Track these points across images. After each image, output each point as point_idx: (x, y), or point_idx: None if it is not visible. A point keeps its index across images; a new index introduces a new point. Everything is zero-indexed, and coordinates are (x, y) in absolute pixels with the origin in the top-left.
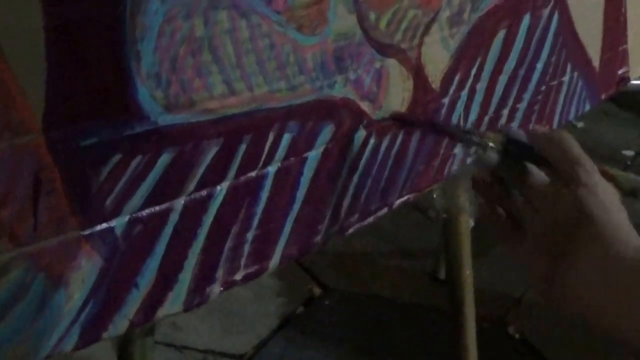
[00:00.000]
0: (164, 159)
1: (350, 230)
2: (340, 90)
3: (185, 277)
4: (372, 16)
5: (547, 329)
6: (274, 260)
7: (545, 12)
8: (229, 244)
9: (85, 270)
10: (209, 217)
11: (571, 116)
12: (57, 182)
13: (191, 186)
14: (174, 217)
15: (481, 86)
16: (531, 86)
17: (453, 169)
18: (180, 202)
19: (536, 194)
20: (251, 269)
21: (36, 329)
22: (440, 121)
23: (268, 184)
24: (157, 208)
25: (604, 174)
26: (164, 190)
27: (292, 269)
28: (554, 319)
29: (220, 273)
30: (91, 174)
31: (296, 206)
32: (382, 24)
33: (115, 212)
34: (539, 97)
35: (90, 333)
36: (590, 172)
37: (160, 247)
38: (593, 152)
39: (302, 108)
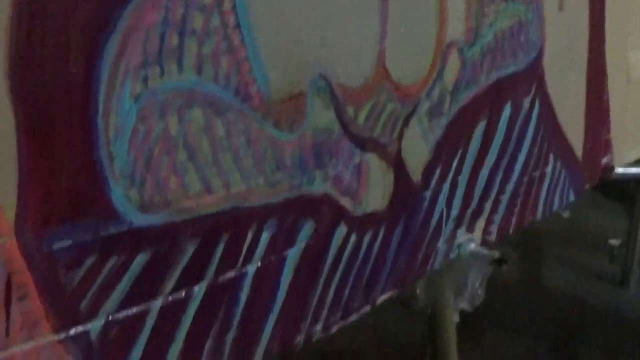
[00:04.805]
0: (140, 260)
1: (334, 329)
2: (320, 186)
3: None
4: (351, 110)
5: None
6: None
7: (526, 101)
8: (208, 345)
9: None
10: (188, 318)
11: (555, 206)
12: (30, 286)
13: (168, 287)
14: (151, 319)
15: (463, 178)
16: (514, 177)
17: (436, 263)
18: (157, 304)
19: None
20: None
21: None
22: None
23: (247, 283)
24: (134, 310)
25: None
26: (141, 292)
27: None
28: None
29: None
30: (65, 277)
31: (277, 305)
32: (361, 118)
33: (91, 315)
34: (522, 188)
35: None
36: None
37: (138, 350)
38: (579, 242)
39: (281, 205)
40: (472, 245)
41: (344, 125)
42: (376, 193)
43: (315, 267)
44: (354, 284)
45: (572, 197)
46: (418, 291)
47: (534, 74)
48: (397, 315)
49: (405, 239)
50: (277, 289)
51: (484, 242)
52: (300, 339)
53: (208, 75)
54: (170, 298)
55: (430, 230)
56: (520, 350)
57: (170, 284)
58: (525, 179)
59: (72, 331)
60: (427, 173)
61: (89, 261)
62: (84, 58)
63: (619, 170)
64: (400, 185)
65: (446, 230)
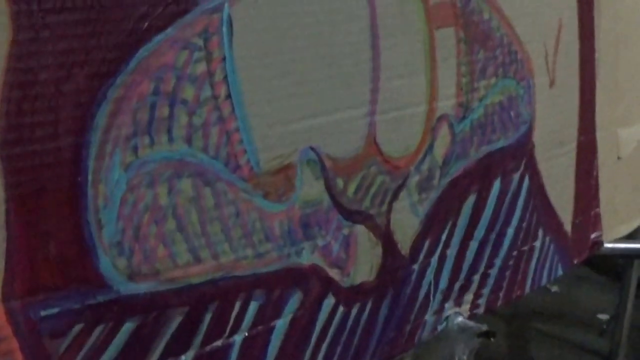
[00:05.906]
0: (127, 329)
1: None
2: (308, 258)
3: None
4: (340, 182)
5: None
6: None
7: (516, 176)
8: None
9: None
10: None
11: (543, 281)
12: (16, 353)
13: (155, 356)
14: None
15: (451, 252)
16: (502, 251)
17: (424, 336)
18: None
19: None
20: None
21: None
22: None
23: (234, 353)
24: None
25: None
26: None
27: None
28: None
29: None
30: (52, 345)
31: None
32: (350, 190)
33: None
34: (511, 262)
35: None
36: None
37: None
38: (568, 317)
39: (269, 276)
40: (460, 318)
41: (333, 196)
42: (364, 265)
43: (302, 338)
44: (341, 355)
45: (560, 272)
46: None
47: (523, 149)
48: None
49: (393, 312)
50: None
51: (472, 316)
52: None
53: (198, 146)
54: None
55: (418, 303)
56: None
57: (157, 352)
58: (514, 253)
59: None
60: (416, 246)
61: (76, 329)
62: (74, 127)
63: (608, 245)
64: (388, 258)
65: (434, 304)
